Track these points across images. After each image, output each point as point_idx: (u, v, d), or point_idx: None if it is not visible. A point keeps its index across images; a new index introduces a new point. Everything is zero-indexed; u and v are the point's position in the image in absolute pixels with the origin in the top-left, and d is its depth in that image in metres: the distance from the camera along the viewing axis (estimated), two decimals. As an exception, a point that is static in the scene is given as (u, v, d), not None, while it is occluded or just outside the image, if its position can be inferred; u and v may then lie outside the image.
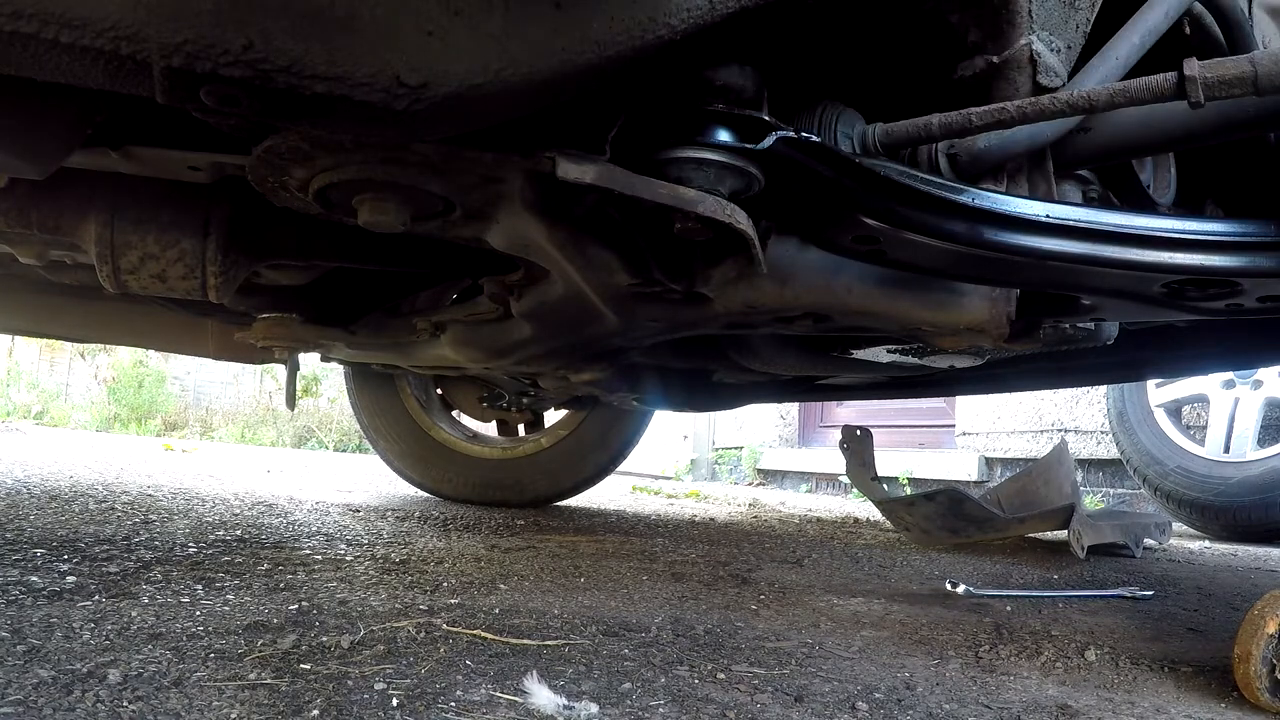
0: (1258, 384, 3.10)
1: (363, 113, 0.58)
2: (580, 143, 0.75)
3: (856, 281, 0.96)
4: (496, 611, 1.16)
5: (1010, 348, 1.04)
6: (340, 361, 2.11)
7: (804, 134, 0.75)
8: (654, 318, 1.09)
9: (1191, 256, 0.80)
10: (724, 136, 0.74)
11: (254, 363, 2.02)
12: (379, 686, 0.82)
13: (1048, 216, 0.79)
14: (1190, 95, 0.66)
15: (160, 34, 0.53)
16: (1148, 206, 0.96)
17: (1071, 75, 0.87)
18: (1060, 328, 1.03)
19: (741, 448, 6.24)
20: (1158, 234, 0.79)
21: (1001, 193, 0.82)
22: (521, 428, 2.68)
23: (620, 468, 2.79)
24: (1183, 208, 1.05)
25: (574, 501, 2.90)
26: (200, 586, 1.21)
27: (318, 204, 0.84)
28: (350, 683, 0.82)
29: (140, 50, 0.54)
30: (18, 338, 7.61)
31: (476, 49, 0.56)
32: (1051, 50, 0.84)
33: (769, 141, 0.73)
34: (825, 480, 5.47)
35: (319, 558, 1.51)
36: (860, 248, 0.86)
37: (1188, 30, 0.92)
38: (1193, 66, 0.66)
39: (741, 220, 0.77)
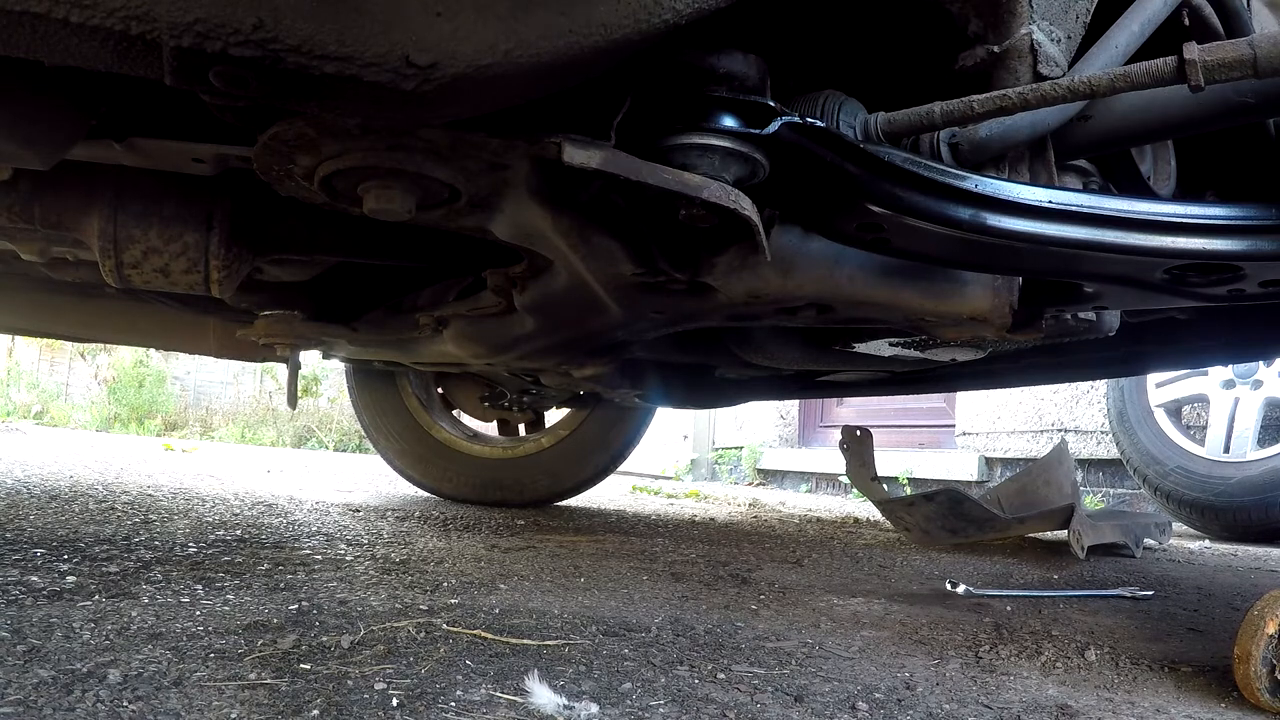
0: (1258, 384, 3.10)
1: (372, 94, 0.58)
2: (585, 129, 0.75)
3: (859, 271, 0.96)
4: (496, 611, 1.16)
5: (1013, 338, 1.05)
6: (342, 359, 2.11)
7: (809, 119, 0.75)
8: (657, 309, 1.09)
9: (1194, 241, 0.80)
10: (729, 122, 0.75)
11: (255, 360, 2.02)
12: (379, 686, 0.82)
13: (1050, 202, 0.80)
14: (1190, 78, 0.67)
15: (170, 13, 0.53)
16: (1148, 196, 0.97)
17: (1071, 66, 0.88)
18: (1062, 318, 1.03)
19: (741, 448, 6.24)
20: (1160, 218, 0.80)
21: (1004, 179, 0.82)
22: (522, 427, 2.68)
23: (620, 468, 2.79)
24: (1183, 199, 1.05)
25: (574, 501, 2.90)
26: (200, 586, 1.20)
27: (323, 192, 0.85)
28: (350, 683, 0.82)
29: (150, 30, 0.54)
30: (18, 338, 7.61)
31: (484, 30, 0.57)
32: (1052, 40, 0.85)
33: (774, 127, 0.73)
34: (825, 480, 5.47)
35: (319, 558, 1.51)
36: (864, 235, 0.86)
37: (1187, 21, 0.93)
38: (1192, 50, 0.67)
39: (746, 206, 0.77)
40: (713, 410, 6.48)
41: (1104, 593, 1.62)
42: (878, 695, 0.91)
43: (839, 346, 1.35)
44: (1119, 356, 1.61)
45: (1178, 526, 3.00)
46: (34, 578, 1.17)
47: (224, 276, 1.14)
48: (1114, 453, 3.71)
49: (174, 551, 1.46)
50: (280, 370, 7.12)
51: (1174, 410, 3.26)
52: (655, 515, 2.79)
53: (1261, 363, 3.11)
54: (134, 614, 1.02)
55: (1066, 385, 4.24)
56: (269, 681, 0.81)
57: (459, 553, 1.66)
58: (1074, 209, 0.80)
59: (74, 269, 1.38)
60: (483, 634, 1.03)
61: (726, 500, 3.90)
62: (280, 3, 0.53)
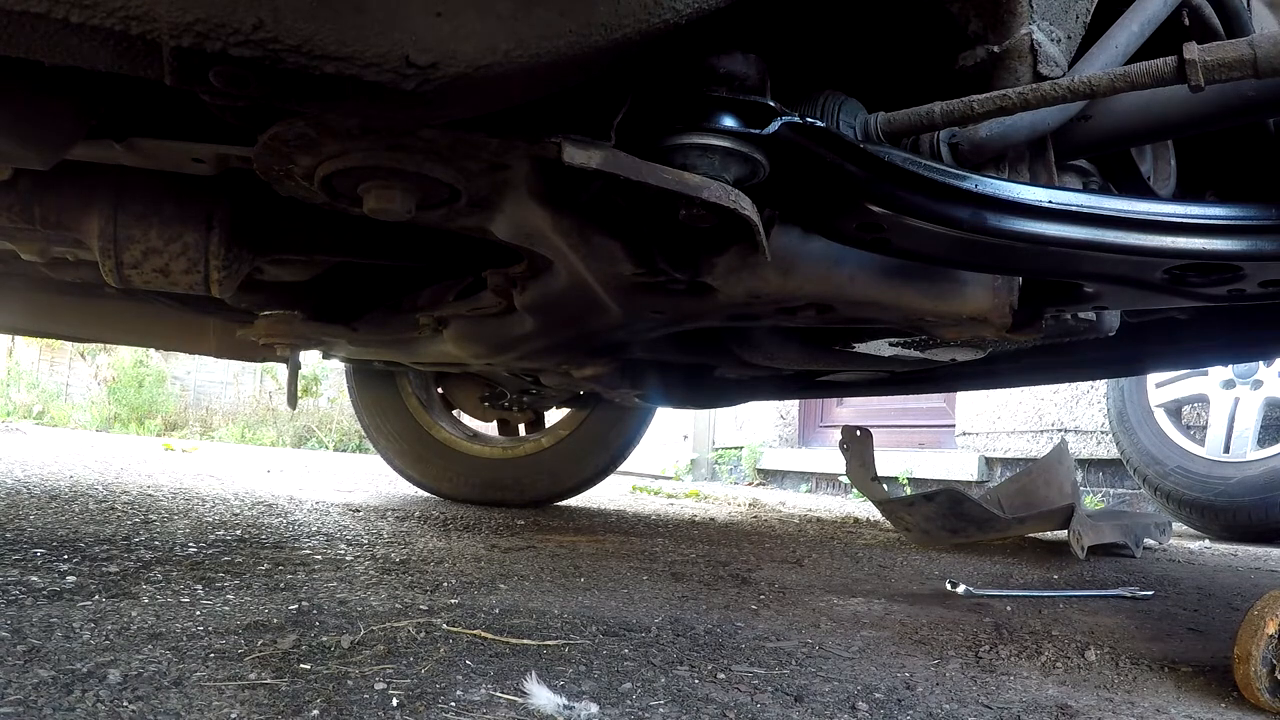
0: (1258, 384, 3.10)
1: (372, 94, 0.58)
2: (585, 129, 0.75)
3: (859, 271, 0.96)
4: (496, 611, 1.16)
5: (1013, 338, 1.05)
6: (342, 359, 2.11)
7: (809, 119, 0.75)
8: (657, 309, 1.09)
9: (1193, 241, 0.80)
10: (729, 122, 0.75)
11: (255, 360, 2.02)
12: (379, 686, 0.82)
13: (1050, 202, 0.80)
14: (1190, 78, 0.67)
15: (170, 13, 0.53)
16: (1148, 196, 0.97)
17: (1071, 66, 0.88)
18: (1062, 318, 1.03)
19: (741, 448, 6.24)
20: (1160, 218, 0.80)
21: (1004, 179, 0.82)
22: (522, 427, 2.68)
23: (620, 468, 2.80)
24: (1183, 199, 1.06)
25: (574, 501, 2.90)
26: (200, 586, 1.20)
27: (323, 192, 0.85)
28: (350, 683, 0.82)
29: (150, 30, 0.54)
30: (18, 338, 7.62)
31: (484, 30, 0.57)
32: (1052, 40, 0.85)
33: (774, 127, 0.74)
34: (825, 480, 5.47)
35: (319, 558, 1.51)
36: (865, 235, 0.87)
37: (1187, 21, 0.93)
38: (1192, 50, 0.67)
39: (746, 206, 0.77)
40: (713, 410, 6.48)
41: (1104, 593, 1.62)
42: (878, 695, 0.91)
43: (839, 346, 1.35)
44: (1119, 356, 1.61)
45: (1178, 526, 3.00)
46: (34, 578, 1.17)
47: (224, 277, 1.14)
48: (1114, 453, 3.71)
49: (174, 551, 1.46)
50: (280, 370, 7.13)
51: (1174, 410, 3.26)
52: (655, 515, 2.79)
53: (1261, 363, 3.11)
54: (134, 614, 1.02)
55: (1066, 385, 4.24)
56: (269, 681, 0.81)
57: (459, 553, 1.66)
58: (1074, 209, 0.80)
59: (74, 269, 1.38)
60: (483, 634, 1.03)
61: (726, 500, 3.90)
62: (280, 3, 0.53)
